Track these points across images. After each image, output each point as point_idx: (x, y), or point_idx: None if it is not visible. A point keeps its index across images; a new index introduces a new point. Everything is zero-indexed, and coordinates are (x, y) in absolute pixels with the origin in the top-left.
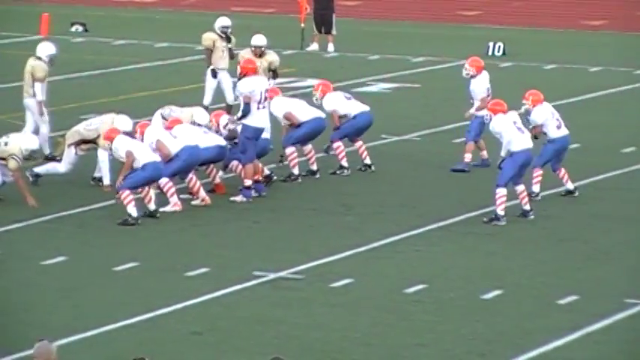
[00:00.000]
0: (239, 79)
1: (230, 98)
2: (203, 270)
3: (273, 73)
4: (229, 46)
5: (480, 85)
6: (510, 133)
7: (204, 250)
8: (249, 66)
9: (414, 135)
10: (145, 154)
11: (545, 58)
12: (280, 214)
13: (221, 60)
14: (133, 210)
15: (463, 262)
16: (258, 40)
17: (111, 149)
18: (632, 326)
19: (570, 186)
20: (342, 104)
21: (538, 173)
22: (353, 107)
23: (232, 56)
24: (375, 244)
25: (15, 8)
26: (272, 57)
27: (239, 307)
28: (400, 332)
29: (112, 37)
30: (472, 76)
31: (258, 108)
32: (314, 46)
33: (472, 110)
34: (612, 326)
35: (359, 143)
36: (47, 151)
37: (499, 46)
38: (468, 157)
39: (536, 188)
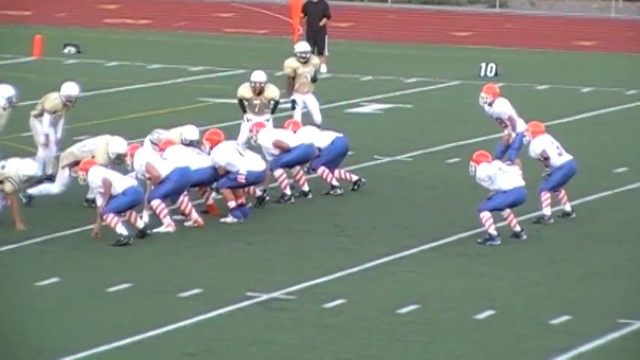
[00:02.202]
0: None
1: (318, 119)
2: (196, 291)
3: (274, 107)
4: (313, 69)
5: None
6: (499, 177)
7: (196, 271)
8: (215, 138)
9: (406, 155)
10: (121, 182)
11: (538, 79)
12: (273, 236)
13: (304, 85)
14: (122, 230)
15: (456, 283)
16: (258, 76)
17: (84, 180)
18: (625, 346)
19: (568, 208)
20: (317, 136)
21: (546, 197)
22: (327, 137)
23: (315, 79)
24: (368, 265)
25: (8, 30)
26: (272, 93)
27: (232, 328)
28: (393, 353)
29: (105, 58)
30: (489, 103)
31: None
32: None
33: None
34: (605, 346)
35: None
36: (39, 173)
37: (491, 67)
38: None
39: (547, 211)
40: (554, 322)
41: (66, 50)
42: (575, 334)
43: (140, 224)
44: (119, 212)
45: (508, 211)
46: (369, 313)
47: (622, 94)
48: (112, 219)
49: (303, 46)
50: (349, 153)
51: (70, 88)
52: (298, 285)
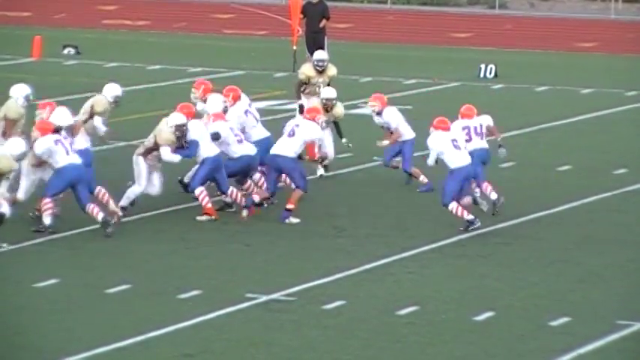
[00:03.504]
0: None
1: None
2: (195, 292)
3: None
4: (327, 80)
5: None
6: (448, 151)
7: (196, 272)
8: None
9: None
10: (63, 157)
11: (537, 80)
12: (272, 237)
13: (314, 94)
14: (47, 218)
15: (455, 284)
16: (321, 54)
17: (34, 141)
18: (624, 348)
19: (494, 196)
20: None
21: (467, 200)
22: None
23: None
24: (367, 266)
25: (7, 31)
26: (333, 70)
27: (231, 329)
28: (392, 354)
29: (104, 59)
30: (378, 112)
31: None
32: None
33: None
34: (604, 348)
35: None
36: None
37: (491, 68)
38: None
39: (493, 196)
40: (554, 323)
41: (65, 51)
42: (575, 335)
43: (100, 216)
44: (56, 194)
45: (469, 198)
46: (369, 315)
47: (622, 95)
48: (46, 204)
49: (320, 55)
50: (349, 154)
51: (116, 89)
52: (298, 286)
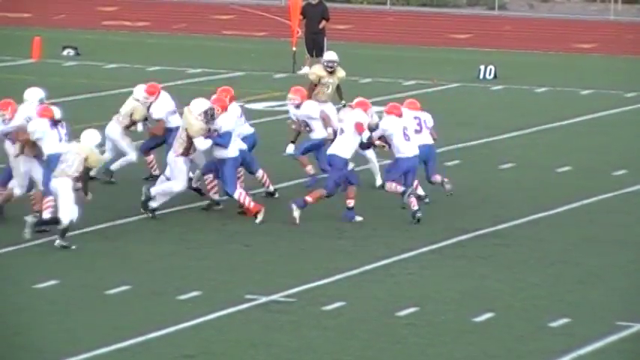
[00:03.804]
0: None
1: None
2: (195, 293)
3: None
4: (337, 82)
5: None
6: (397, 137)
7: (196, 273)
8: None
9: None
10: (54, 144)
11: (537, 81)
12: (272, 238)
13: (324, 95)
14: (47, 215)
15: (455, 285)
16: (331, 55)
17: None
18: (624, 349)
19: (448, 186)
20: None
21: (391, 186)
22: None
23: (341, 97)
24: (367, 267)
25: (6, 32)
26: (342, 72)
27: (231, 330)
28: (392, 355)
29: (104, 60)
30: (297, 105)
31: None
32: (305, 70)
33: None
34: (604, 349)
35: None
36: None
37: (490, 69)
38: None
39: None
40: (554, 324)
41: (65, 52)
42: (575, 336)
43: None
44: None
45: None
46: (369, 316)
47: (621, 96)
48: (48, 202)
49: (330, 55)
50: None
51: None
52: (297, 287)
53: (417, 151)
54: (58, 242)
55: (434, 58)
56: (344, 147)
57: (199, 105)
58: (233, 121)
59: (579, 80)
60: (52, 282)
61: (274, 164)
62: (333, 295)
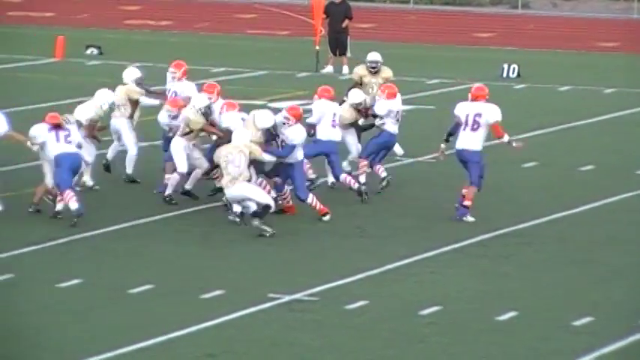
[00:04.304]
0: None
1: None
2: (218, 292)
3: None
4: (381, 81)
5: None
6: (324, 121)
7: (218, 272)
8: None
9: (428, 157)
10: (55, 147)
11: (560, 80)
12: (294, 237)
13: (368, 95)
14: (74, 204)
15: (477, 284)
16: (374, 56)
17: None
18: None
19: (383, 173)
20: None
21: (363, 164)
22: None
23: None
24: (390, 266)
25: (30, 31)
26: (387, 72)
27: (254, 329)
28: (414, 354)
29: (127, 59)
30: (179, 78)
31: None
32: (329, 69)
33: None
34: (627, 348)
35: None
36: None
37: (513, 68)
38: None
39: (362, 179)
40: (576, 323)
41: (88, 51)
42: (597, 335)
43: (72, 205)
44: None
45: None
46: (391, 314)
47: None
48: (68, 195)
49: (373, 56)
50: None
51: (205, 100)
52: (320, 286)
53: (337, 137)
54: (256, 223)
55: (457, 57)
56: (475, 141)
57: (200, 101)
58: (303, 134)
59: (602, 79)
60: (75, 281)
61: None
62: (356, 294)
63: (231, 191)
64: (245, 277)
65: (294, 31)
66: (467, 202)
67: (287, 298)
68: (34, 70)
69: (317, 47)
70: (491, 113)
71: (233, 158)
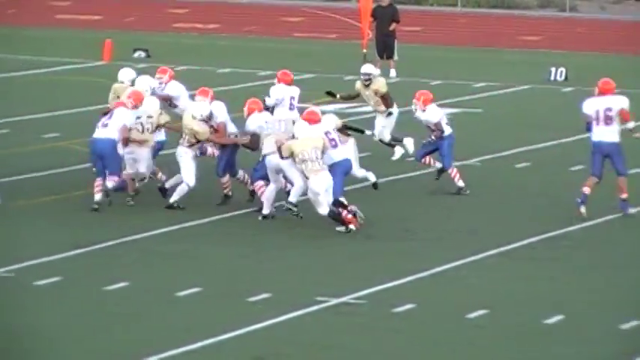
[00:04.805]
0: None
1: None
2: (265, 295)
3: (382, 99)
4: (373, 94)
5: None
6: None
7: (266, 275)
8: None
9: (475, 160)
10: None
11: None
12: (342, 239)
13: (370, 106)
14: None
15: (524, 288)
16: (364, 68)
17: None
18: None
19: (461, 184)
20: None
21: (455, 171)
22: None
23: (386, 105)
24: (437, 269)
25: (77, 34)
26: (376, 85)
27: (301, 332)
28: (462, 357)
29: (175, 63)
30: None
31: None
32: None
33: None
34: None
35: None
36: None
37: (561, 71)
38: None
39: (461, 183)
40: (624, 326)
41: (136, 54)
42: None
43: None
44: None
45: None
46: (439, 318)
47: None
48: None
49: (365, 68)
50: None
51: (205, 107)
52: (367, 289)
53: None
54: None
55: (504, 60)
56: (612, 133)
57: (199, 109)
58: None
59: None
60: (122, 284)
61: None
62: (403, 297)
63: (317, 183)
64: (292, 280)
65: (341, 34)
66: (625, 195)
67: (334, 301)
68: (82, 73)
69: (364, 50)
70: (619, 102)
71: (310, 155)
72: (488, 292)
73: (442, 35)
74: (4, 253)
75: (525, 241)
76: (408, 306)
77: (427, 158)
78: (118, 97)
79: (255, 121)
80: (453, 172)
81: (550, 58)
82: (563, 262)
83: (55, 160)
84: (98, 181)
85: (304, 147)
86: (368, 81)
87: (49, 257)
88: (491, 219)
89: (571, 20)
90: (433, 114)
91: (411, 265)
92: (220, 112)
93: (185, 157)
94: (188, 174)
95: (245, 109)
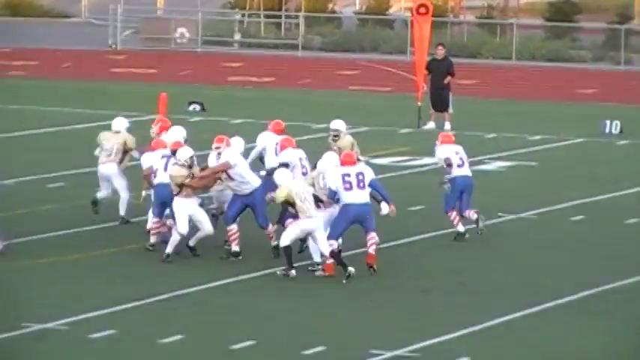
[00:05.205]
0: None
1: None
2: (320, 348)
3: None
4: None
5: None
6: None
7: (320, 328)
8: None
9: (530, 213)
10: (160, 174)
11: None
12: (396, 292)
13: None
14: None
15: (581, 342)
16: (332, 124)
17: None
18: None
19: (461, 228)
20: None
21: (453, 215)
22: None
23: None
24: (492, 323)
25: (133, 87)
26: (342, 142)
27: None
28: None
29: (229, 116)
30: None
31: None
32: (430, 125)
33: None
34: None
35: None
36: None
37: (616, 124)
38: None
39: (460, 228)
40: None
41: (190, 108)
42: None
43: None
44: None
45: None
46: None
47: None
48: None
49: (333, 124)
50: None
51: (188, 152)
52: (421, 342)
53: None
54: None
55: (559, 113)
56: None
57: (183, 154)
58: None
59: None
60: (177, 337)
61: (398, 218)
62: (457, 351)
63: (313, 223)
64: (347, 333)
65: (396, 87)
66: None
67: (388, 354)
68: (137, 126)
69: (419, 103)
70: None
71: (307, 195)
72: (542, 346)
73: (496, 88)
74: (59, 306)
75: (580, 295)
76: (463, 359)
77: (453, 213)
78: (126, 147)
79: (290, 156)
80: (452, 215)
81: (605, 111)
82: (617, 315)
83: (110, 212)
84: (155, 224)
85: (304, 188)
86: (336, 137)
87: (103, 310)
88: (546, 272)
89: (626, 73)
90: (441, 151)
91: (465, 318)
92: (232, 157)
93: (178, 206)
94: (181, 222)
95: (278, 146)
